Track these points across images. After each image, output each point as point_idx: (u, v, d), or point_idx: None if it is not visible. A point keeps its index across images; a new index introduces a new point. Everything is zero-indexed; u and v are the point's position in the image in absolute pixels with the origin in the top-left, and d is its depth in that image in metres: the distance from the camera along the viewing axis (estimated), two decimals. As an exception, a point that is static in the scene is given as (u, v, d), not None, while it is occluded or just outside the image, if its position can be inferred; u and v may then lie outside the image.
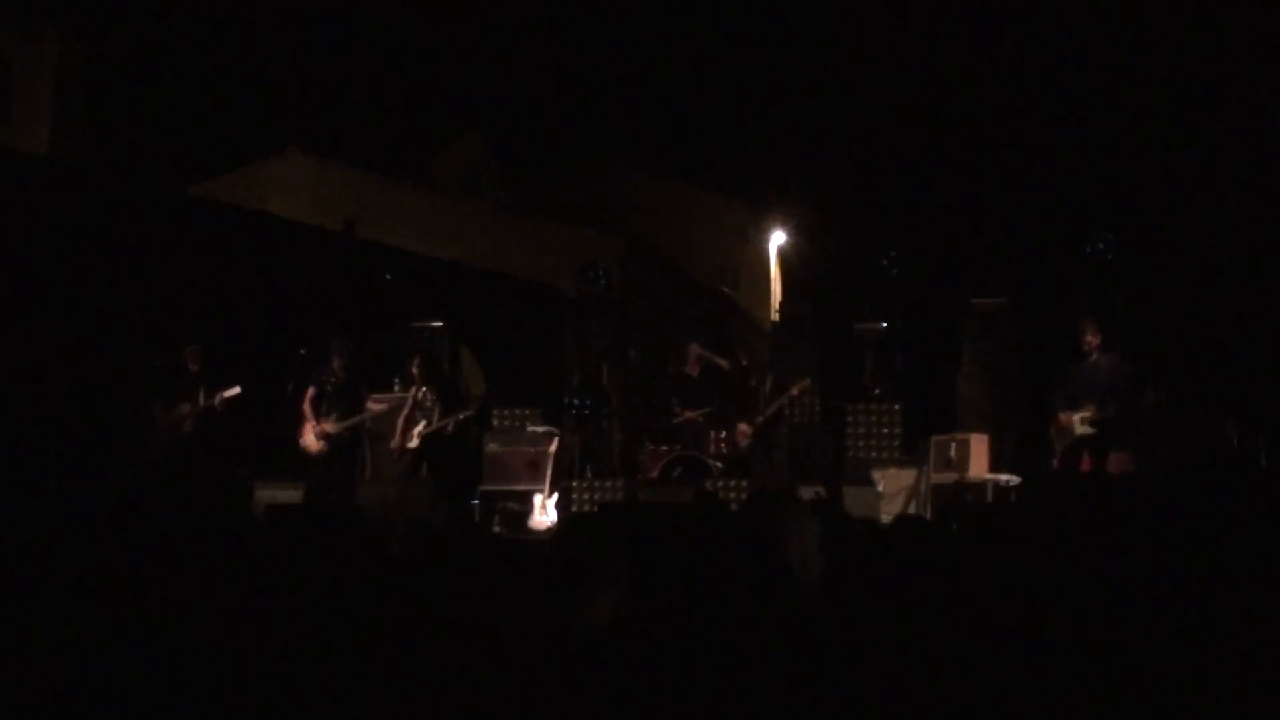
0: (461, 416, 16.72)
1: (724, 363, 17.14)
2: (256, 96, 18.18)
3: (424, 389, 16.63)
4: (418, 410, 16.63)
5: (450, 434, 16.52)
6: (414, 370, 17.00)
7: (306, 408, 16.24)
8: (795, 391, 16.65)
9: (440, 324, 19.78)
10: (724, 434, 16.70)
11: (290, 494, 15.21)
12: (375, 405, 16.80)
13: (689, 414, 17.01)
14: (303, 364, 16.48)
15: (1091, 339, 14.77)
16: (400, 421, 16.73)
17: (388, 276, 19.68)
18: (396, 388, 18.25)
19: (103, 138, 17.47)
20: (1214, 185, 16.54)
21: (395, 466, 17.20)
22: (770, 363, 17.07)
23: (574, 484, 17.01)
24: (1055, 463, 15.07)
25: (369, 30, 18.21)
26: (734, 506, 14.67)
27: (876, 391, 18.54)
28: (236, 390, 16.43)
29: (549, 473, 17.06)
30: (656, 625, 3.85)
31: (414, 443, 16.47)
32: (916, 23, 18.43)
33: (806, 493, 12.64)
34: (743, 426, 16.33)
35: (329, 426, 16.19)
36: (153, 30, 18.18)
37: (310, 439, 16.26)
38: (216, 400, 16.40)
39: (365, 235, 19.15)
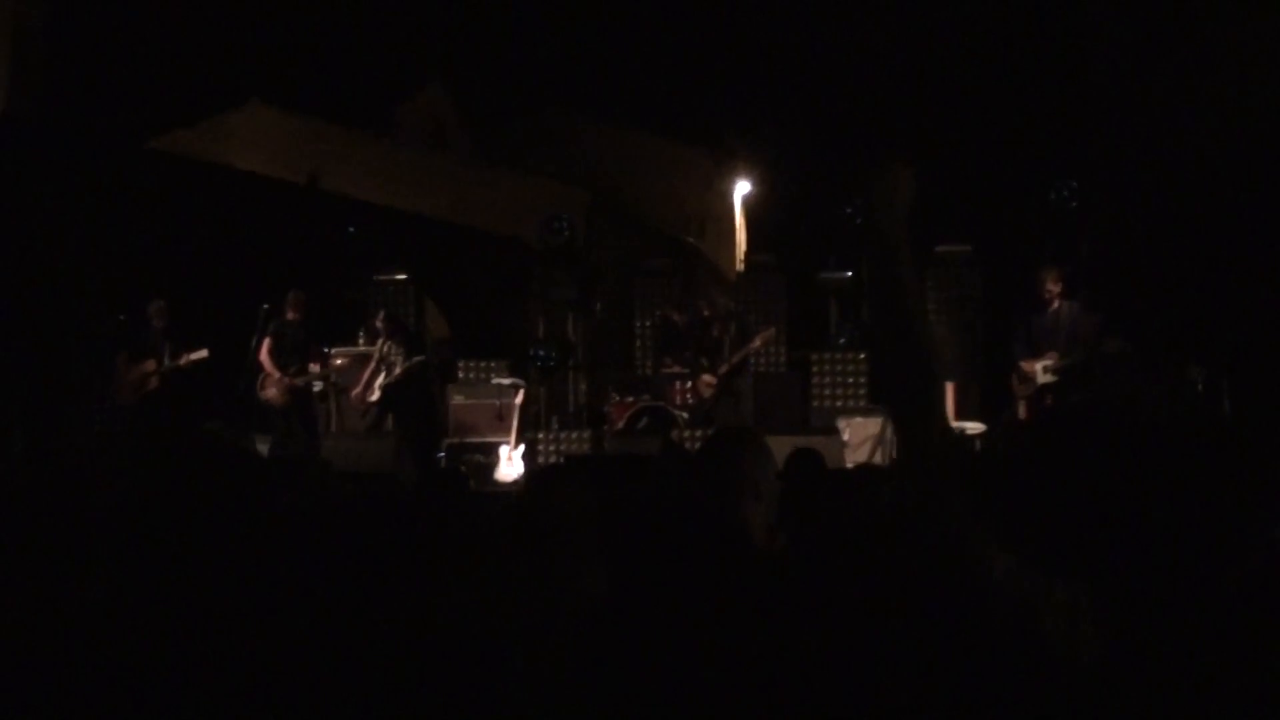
0: (415, 360, 16.80)
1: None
2: (217, 48, 18.02)
3: (388, 342, 16.69)
4: (382, 364, 16.70)
5: (404, 381, 16.60)
6: (378, 324, 17.05)
7: (265, 359, 16.25)
8: (758, 343, 16.66)
9: (405, 276, 19.75)
10: (689, 385, 16.73)
11: (258, 448, 15.23)
12: (335, 361, 16.84)
13: (673, 362, 17.13)
14: (266, 317, 16.48)
15: (1053, 287, 14.82)
16: (365, 375, 16.80)
17: (351, 230, 19.62)
18: (361, 340, 18.27)
19: (61, 93, 17.32)
20: (1175, 136, 16.55)
21: (360, 420, 17.25)
22: (735, 312, 17.07)
23: (540, 436, 17.04)
24: (1019, 410, 15.15)
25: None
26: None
27: (842, 341, 18.54)
28: (204, 353, 16.42)
29: (515, 424, 17.09)
30: (639, 593, 3.86)
31: (375, 395, 16.54)
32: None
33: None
34: (706, 378, 16.36)
35: (290, 379, 16.22)
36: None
37: (272, 391, 16.28)
38: (183, 361, 16.40)
39: (329, 188, 19.02)
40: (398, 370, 16.71)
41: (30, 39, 17.23)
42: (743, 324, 16.81)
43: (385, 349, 16.82)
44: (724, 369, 16.25)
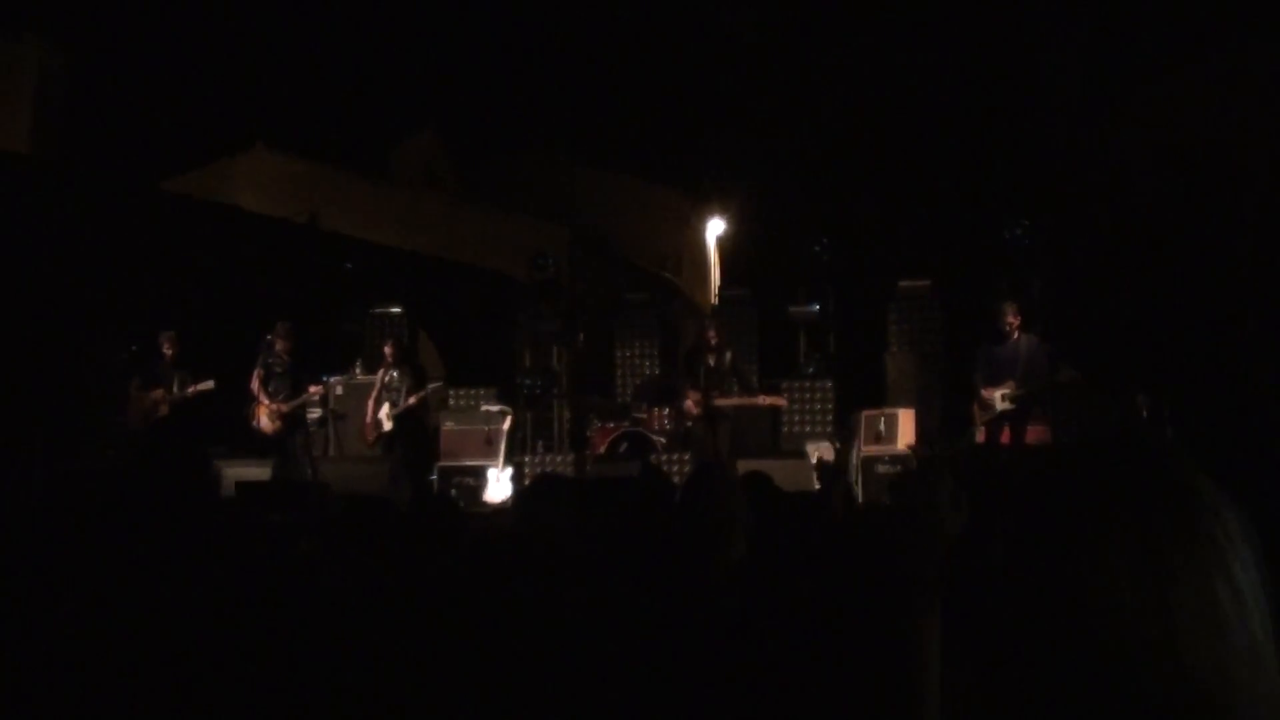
0: (431, 388, 16.97)
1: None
2: (225, 96, 18.17)
3: (394, 372, 16.78)
4: (385, 391, 16.77)
5: (416, 408, 16.72)
6: (386, 352, 17.14)
7: (256, 388, 16.33)
8: (764, 402, 16.51)
9: (399, 310, 19.84)
10: (667, 411, 16.77)
11: (258, 472, 15.28)
12: (315, 388, 16.88)
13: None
14: (266, 350, 16.55)
15: (1012, 320, 14.93)
16: (370, 403, 16.88)
17: (348, 266, 19.70)
18: (358, 370, 18.34)
19: (81, 137, 17.43)
20: (1122, 179, 16.70)
21: (361, 445, 17.30)
22: (732, 347, 17.04)
23: (526, 459, 17.13)
24: (977, 435, 15.24)
25: (330, 34, 18.32)
26: (676, 479, 14.79)
27: (810, 370, 18.65)
28: (210, 384, 16.47)
29: (502, 449, 17.17)
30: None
31: (388, 425, 16.65)
32: (842, 23, 18.52)
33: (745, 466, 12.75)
34: (694, 395, 16.33)
35: (282, 406, 16.29)
36: (129, 35, 18.10)
37: (264, 419, 16.34)
38: (190, 391, 16.44)
39: (328, 226, 19.11)
40: (412, 400, 16.77)
41: (53, 86, 17.37)
42: (740, 366, 16.68)
43: (390, 378, 16.87)
44: (722, 402, 16.07)
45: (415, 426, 17.11)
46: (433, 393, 17.43)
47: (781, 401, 16.94)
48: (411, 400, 16.77)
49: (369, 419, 16.94)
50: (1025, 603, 1.61)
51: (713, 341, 16.36)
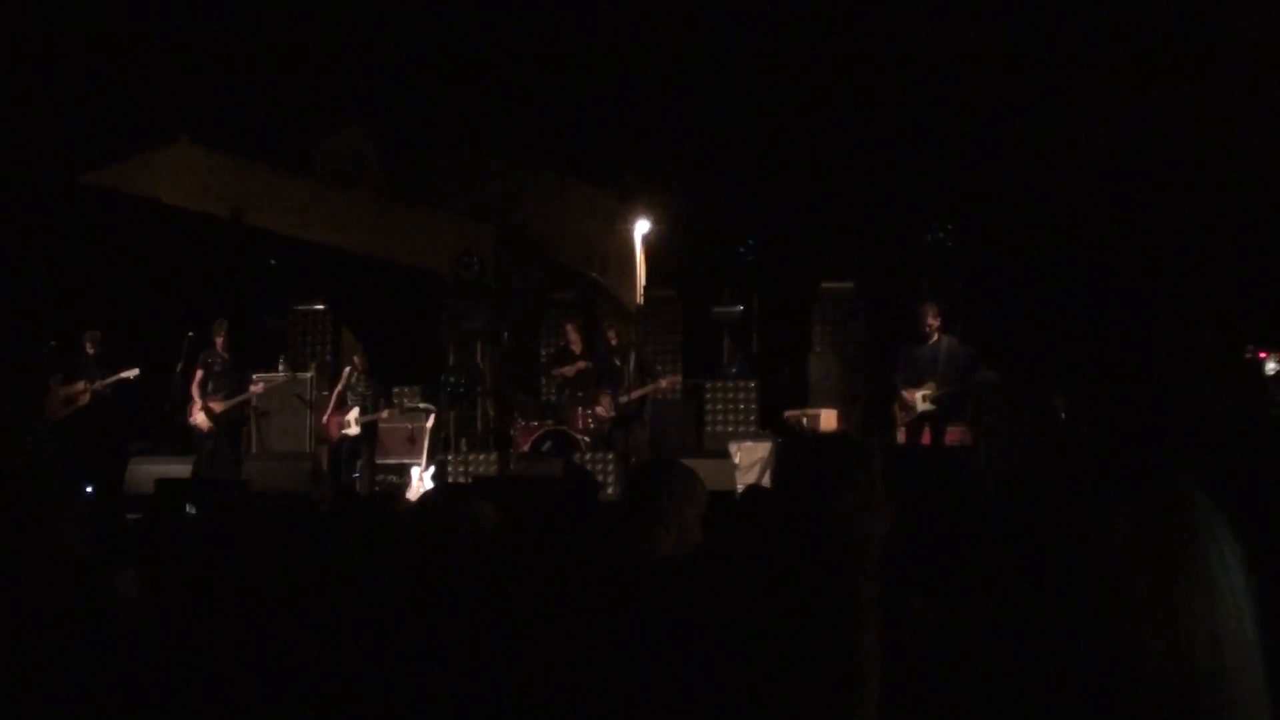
0: (389, 411, 17.12)
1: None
2: (148, 89, 17.97)
3: (361, 378, 16.87)
4: (349, 393, 16.84)
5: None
6: (355, 360, 17.16)
7: (195, 389, 16.24)
8: (664, 384, 16.84)
9: (323, 307, 19.71)
10: (589, 411, 16.79)
11: (180, 469, 15.14)
12: (255, 386, 16.84)
13: (563, 370, 17.25)
14: (191, 345, 16.41)
15: (932, 321, 15.01)
16: (332, 401, 16.94)
17: (272, 262, 19.54)
18: (281, 367, 18.24)
19: (-1, 129, 17.29)
20: (1042, 184, 16.82)
21: (287, 443, 17.30)
22: (635, 343, 17.19)
23: (450, 457, 17.07)
24: (899, 435, 15.31)
25: (256, 26, 18.13)
26: (600, 478, 14.82)
27: (734, 370, 18.69)
28: (135, 371, 16.37)
29: (426, 447, 17.14)
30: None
31: (353, 429, 16.71)
32: (767, 26, 18.56)
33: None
34: (604, 399, 16.43)
35: (216, 405, 16.18)
36: (49, 25, 17.87)
37: (200, 417, 16.24)
38: (115, 379, 16.34)
39: (252, 222, 18.95)
40: (384, 413, 16.90)
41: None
42: (644, 359, 16.91)
43: (355, 379, 16.91)
44: (624, 399, 16.31)
45: (375, 432, 17.19)
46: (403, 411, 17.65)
47: (676, 380, 17.22)
48: (384, 414, 16.87)
49: (327, 418, 17.01)
50: (1020, 586, 1.62)
51: (613, 343, 16.57)
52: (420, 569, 4.41)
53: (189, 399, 16.32)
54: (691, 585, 3.95)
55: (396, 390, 18.38)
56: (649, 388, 16.53)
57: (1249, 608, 1.59)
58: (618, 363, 16.61)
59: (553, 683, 3.55)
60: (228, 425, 16.69)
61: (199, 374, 16.25)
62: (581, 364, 17.16)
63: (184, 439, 16.44)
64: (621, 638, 3.58)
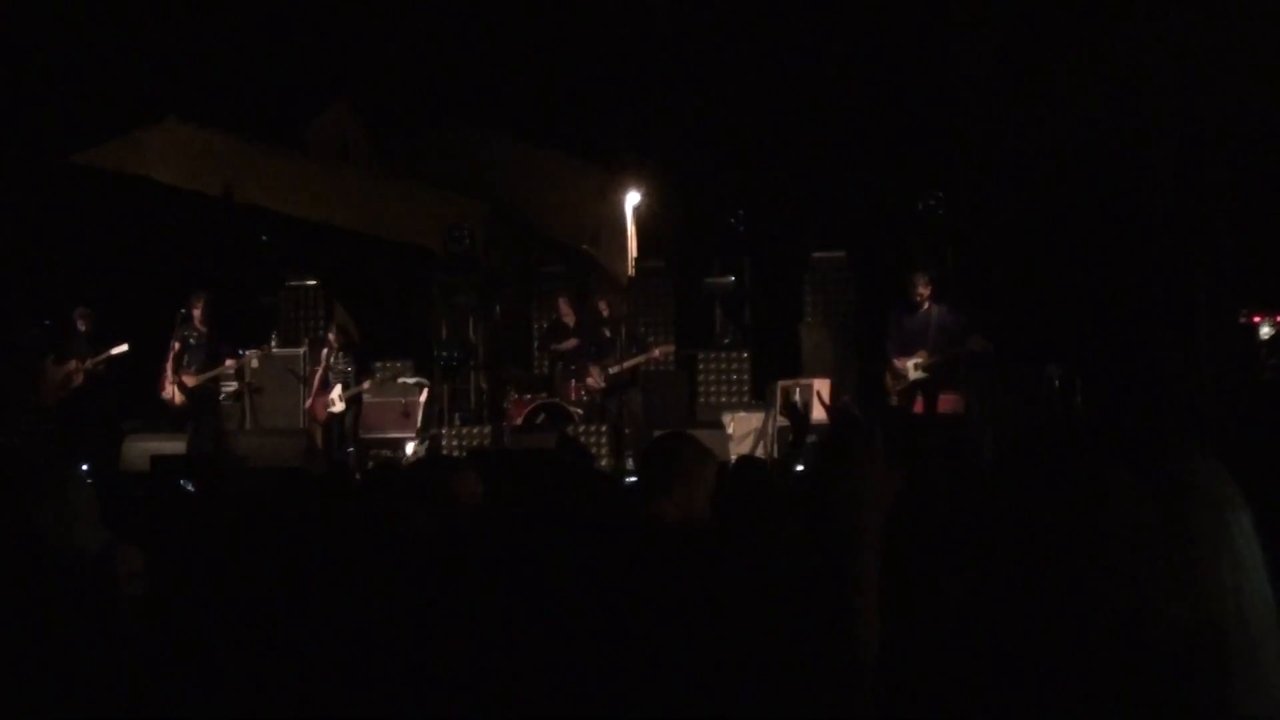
0: (379, 377, 17.12)
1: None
2: (138, 67, 17.93)
3: (338, 354, 16.83)
4: (330, 373, 16.83)
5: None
6: (331, 337, 17.13)
7: (168, 363, 16.16)
8: (657, 354, 16.85)
9: (314, 283, 19.69)
10: (581, 383, 16.79)
11: (175, 445, 15.10)
12: (230, 362, 16.81)
13: (560, 347, 17.28)
14: (182, 322, 16.36)
15: (923, 290, 15.04)
16: (315, 383, 16.93)
17: (264, 239, 19.49)
18: (273, 343, 18.23)
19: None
20: (1034, 152, 16.82)
21: (286, 420, 17.34)
22: (626, 315, 17.20)
23: (443, 431, 17.08)
24: (892, 404, 15.33)
25: (244, 4, 18.11)
26: (594, 450, 14.84)
27: (726, 341, 18.69)
28: (124, 347, 16.33)
29: (419, 421, 17.15)
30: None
31: (338, 406, 16.72)
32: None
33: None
34: (594, 370, 16.46)
35: (189, 379, 16.13)
36: (39, 4, 17.85)
37: (171, 390, 16.17)
38: (104, 356, 16.31)
39: (243, 199, 18.91)
40: (366, 384, 16.90)
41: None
42: (635, 330, 16.95)
43: (335, 358, 16.90)
44: (615, 369, 16.32)
45: (360, 405, 17.17)
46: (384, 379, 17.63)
47: (669, 348, 17.22)
48: (366, 385, 16.88)
49: (311, 402, 17.03)
50: (1034, 555, 1.62)
51: (605, 314, 16.58)
52: (406, 541, 4.42)
53: (161, 373, 16.27)
54: (691, 555, 3.95)
55: (388, 365, 18.35)
56: (640, 358, 16.54)
57: (1266, 571, 1.59)
58: (608, 334, 16.62)
59: (544, 655, 3.55)
60: (205, 399, 16.64)
61: (175, 347, 16.18)
62: (574, 340, 17.18)
63: (175, 417, 16.39)
64: (617, 606, 3.58)
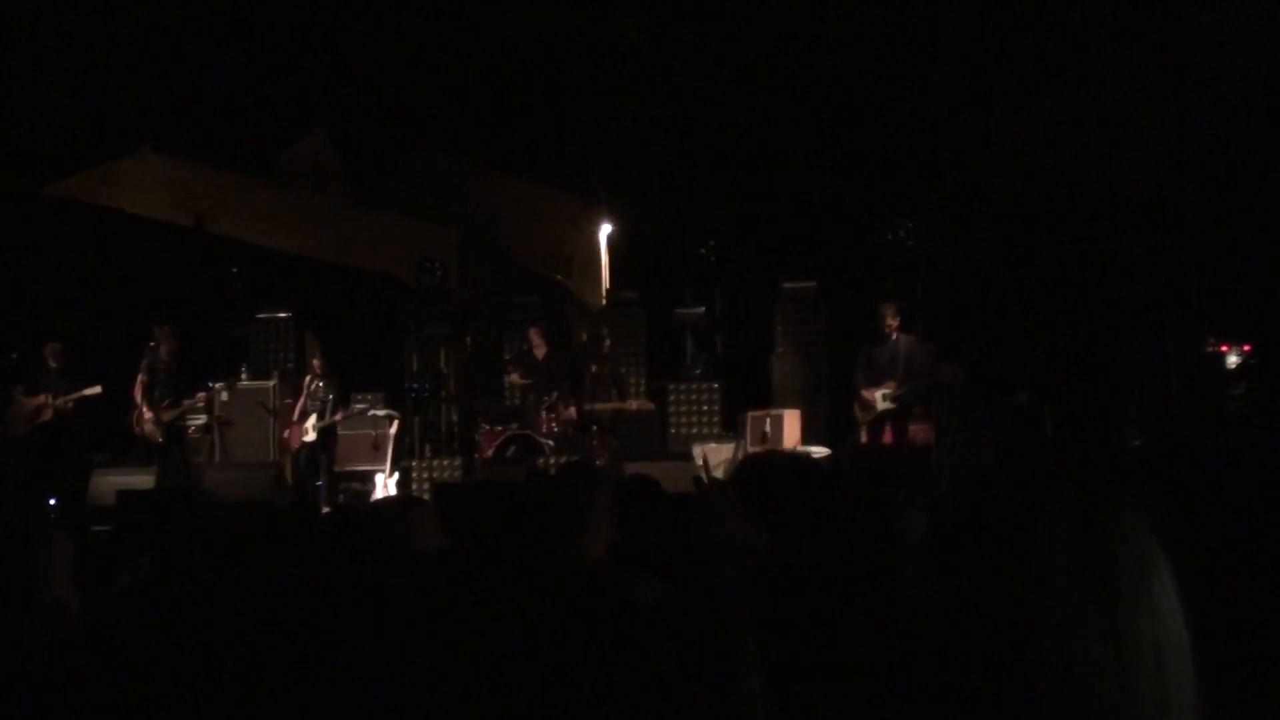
0: (356, 408, 17.02)
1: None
2: (111, 99, 17.99)
3: (320, 383, 16.76)
4: (310, 401, 16.76)
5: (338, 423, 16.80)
6: (315, 364, 17.08)
7: (137, 394, 16.12)
8: (634, 407, 16.86)
9: (286, 314, 19.68)
10: (554, 415, 16.80)
11: (143, 480, 15.07)
12: (200, 395, 16.80)
13: (513, 378, 17.29)
14: (151, 355, 16.34)
15: (891, 321, 15.10)
16: (295, 413, 16.84)
17: (235, 270, 19.49)
18: (244, 376, 18.21)
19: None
20: (1002, 183, 16.94)
21: (255, 453, 17.27)
22: (608, 351, 17.19)
23: (414, 464, 17.09)
24: (861, 435, 15.40)
25: (216, 34, 18.18)
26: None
27: (697, 371, 18.67)
28: (97, 389, 16.30)
29: (390, 453, 17.14)
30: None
31: (310, 436, 16.63)
32: (729, 26, 18.63)
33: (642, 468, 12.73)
34: (571, 410, 16.49)
35: (165, 414, 16.12)
36: (11, 35, 17.87)
37: (146, 425, 16.15)
38: (76, 396, 16.28)
39: (215, 230, 18.95)
40: (339, 415, 16.82)
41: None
42: (617, 372, 16.95)
43: (316, 387, 16.83)
44: (589, 408, 16.36)
45: (334, 440, 17.08)
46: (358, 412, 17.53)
47: (649, 405, 17.26)
48: (339, 416, 16.82)
49: (292, 429, 16.97)
50: (967, 603, 1.69)
51: (605, 351, 16.60)
52: (357, 590, 4.46)
53: (133, 406, 16.24)
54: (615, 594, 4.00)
55: (359, 396, 18.34)
56: (617, 404, 16.58)
57: (1185, 624, 1.68)
58: (595, 369, 16.63)
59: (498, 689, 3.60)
60: (178, 433, 16.64)
61: (143, 380, 16.15)
62: (526, 381, 17.19)
63: (147, 450, 16.37)
64: (556, 644, 3.63)
